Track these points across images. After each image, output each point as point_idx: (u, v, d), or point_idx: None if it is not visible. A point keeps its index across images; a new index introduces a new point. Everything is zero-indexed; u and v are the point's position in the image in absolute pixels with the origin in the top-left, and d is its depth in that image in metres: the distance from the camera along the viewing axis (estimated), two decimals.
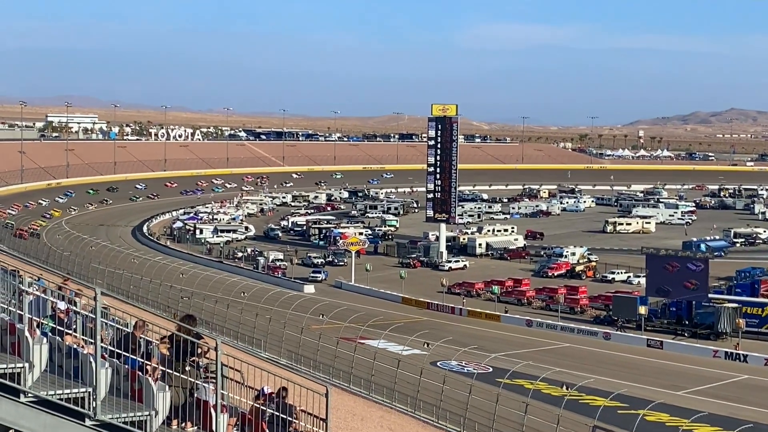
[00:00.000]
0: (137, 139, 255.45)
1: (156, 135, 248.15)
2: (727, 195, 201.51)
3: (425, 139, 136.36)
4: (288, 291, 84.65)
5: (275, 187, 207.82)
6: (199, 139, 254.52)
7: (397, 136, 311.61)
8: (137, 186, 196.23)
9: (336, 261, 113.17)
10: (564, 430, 42.47)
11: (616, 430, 40.88)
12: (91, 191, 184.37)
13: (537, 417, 44.24)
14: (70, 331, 13.46)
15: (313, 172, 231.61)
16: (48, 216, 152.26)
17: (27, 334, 12.84)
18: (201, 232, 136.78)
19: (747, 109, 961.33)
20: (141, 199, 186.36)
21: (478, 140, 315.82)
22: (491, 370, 55.88)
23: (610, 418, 44.14)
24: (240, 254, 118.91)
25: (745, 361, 66.97)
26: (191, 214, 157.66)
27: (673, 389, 57.22)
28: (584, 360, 66.02)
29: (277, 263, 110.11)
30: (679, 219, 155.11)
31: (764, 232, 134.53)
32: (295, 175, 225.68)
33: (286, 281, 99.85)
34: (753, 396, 56.96)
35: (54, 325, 13.67)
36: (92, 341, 12.62)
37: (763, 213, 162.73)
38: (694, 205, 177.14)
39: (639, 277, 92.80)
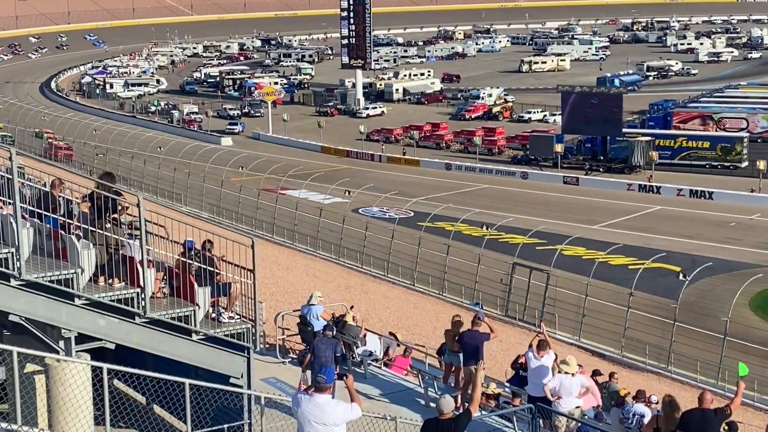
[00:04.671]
0: None
1: None
2: (639, 28, 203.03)
3: None
4: (205, 144, 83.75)
5: (186, 37, 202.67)
6: None
7: None
8: None
9: (252, 112, 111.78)
10: (485, 268, 43.43)
11: (535, 265, 41.87)
12: None
13: (459, 258, 45.11)
14: None
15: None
16: None
17: None
18: (111, 86, 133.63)
19: None
20: None
21: None
22: (412, 214, 56.54)
23: (529, 254, 45.19)
24: (153, 108, 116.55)
25: (659, 193, 68.79)
26: (100, 68, 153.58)
27: (589, 223, 58.68)
28: (503, 200, 67.06)
29: (192, 116, 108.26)
30: (593, 55, 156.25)
31: (676, 64, 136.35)
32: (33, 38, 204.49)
33: (203, 134, 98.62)
34: (666, 226, 58.70)
35: None
36: (11, 201, 12.35)
37: (675, 45, 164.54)
38: (607, 40, 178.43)
39: (555, 115, 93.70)
